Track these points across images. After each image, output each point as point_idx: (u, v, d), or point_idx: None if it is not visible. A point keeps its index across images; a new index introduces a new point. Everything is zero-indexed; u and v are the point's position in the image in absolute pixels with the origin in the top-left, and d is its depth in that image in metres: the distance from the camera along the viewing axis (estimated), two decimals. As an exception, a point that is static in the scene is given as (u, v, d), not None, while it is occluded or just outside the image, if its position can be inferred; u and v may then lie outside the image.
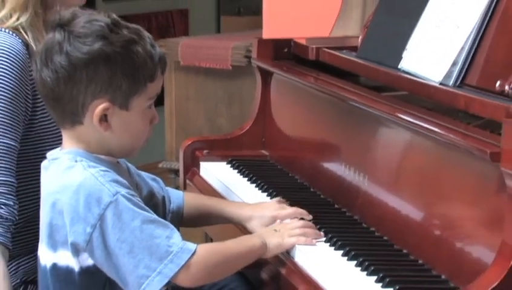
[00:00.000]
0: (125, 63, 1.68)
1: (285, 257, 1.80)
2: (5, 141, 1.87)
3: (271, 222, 1.89)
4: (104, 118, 1.69)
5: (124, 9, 5.35)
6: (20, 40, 1.93)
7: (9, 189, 1.86)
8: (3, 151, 1.88)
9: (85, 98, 1.68)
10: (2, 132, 1.88)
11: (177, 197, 1.98)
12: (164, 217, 1.90)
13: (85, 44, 1.66)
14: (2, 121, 1.88)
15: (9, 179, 1.87)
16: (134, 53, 1.69)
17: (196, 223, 2.04)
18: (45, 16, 2.00)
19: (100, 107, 1.68)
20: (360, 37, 2.21)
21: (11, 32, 1.93)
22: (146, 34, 1.74)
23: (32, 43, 1.94)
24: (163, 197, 1.95)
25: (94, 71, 1.67)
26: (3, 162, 1.87)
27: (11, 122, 1.89)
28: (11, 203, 1.85)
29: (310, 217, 1.90)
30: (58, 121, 1.75)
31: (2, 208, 1.83)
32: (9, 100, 1.89)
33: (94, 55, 1.66)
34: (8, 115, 1.89)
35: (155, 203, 1.91)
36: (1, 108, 1.88)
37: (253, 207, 1.96)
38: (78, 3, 2.01)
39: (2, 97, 1.88)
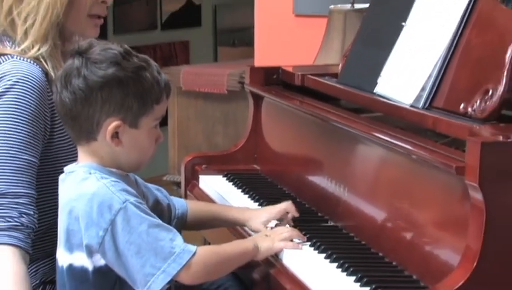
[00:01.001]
0: (136, 86, 1.68)
1: (274, 259, 1.79)
2: (26, 157, 1.86)
3: (267, 220, 1.90)
4: (116, 135, 1.69)
5: (133, 41, 5.35)
6: (40, 69, 1.92)
7: (30, 200, 1.85)
8: (25, 166, 1.87)
9: (99, 117, 1.68)
10: (24, 149, 1.86)
11: (181, 204, 1.97)
12: (169, 223, 1.89)
13: (101, 69, 1.67)
14: (23, 140, 1.87)
15: (30, 191, 1.85)
16: (143, 78, 1.69)
17: (199, 227, 2.04)
18: (63, 47, 1.98)
19: (112, 125, 1.68)
20: (340, 65, 2.21)
21: (32, 62, 1.92)
22: (153, 62, 1.74)
23: (51, 72, 1.92)
24: (168, 205, 1.94)
25: (108, 93, 1.67)
26: (25, 176, 1.86)
27: (31, 140, 1.88)
28: (32, 212, 1.84)
29: (296, 214, 1.91)
30: (74, 138, 1.75)
31: (23, 217, 1.82)
32: (30, 122, 1.88)
33: (108, 79, 1.66)
34: (29, 134, 1.88)
35: (160, 210, 1.90)
36: (23, 129, 1.87)
37: (251, 210, 1.98)
38: (92, 36, 2.00)
39: (23, 119, 1.87)
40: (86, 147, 1.72)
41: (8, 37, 1.96)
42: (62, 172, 1.77)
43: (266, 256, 1.79)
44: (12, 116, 1.87)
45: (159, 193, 1.95)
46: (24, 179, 1.86)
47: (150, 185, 1.94)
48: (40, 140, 1.91)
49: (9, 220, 1.81)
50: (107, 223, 1.63)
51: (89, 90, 1.66)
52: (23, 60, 1.92)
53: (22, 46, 1.93)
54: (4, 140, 1.86)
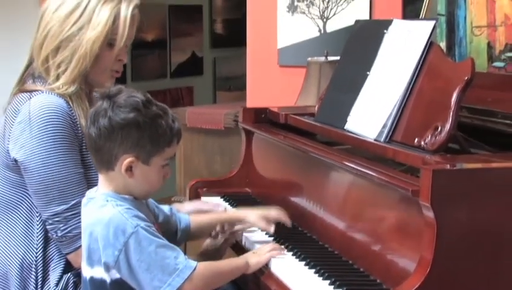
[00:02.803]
0: (151, 130, 1.66)
1: (263, 267, 1.77)
2: (78, 170, 1.87)
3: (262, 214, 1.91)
4: (129, 169, 1.67)
5: (147, 87, 5.35)
6: (64, 100, 1.91)
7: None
8: (80, 177, 1.87)
9: (117, 152, 1.66)
10: (73, 164, 1.87)
11: (184, 219, 1.94)
12: (175, 234, 1.88)
13: (123, 112, 1.64)
14: (68, 157, 1.87)
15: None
16: (158, 125, 1.67)
17: (202, 235, 1.99)
18: (87, 89, 1.98)
19: (127, 160, 1.66)
20: (316, 106, 2.21)
21: (58, 95, 1.91)
22: (170, 112, 1.72)
23: (75, 108, 1.92)
24: (175, 221, 1.92)
25: (127, 133, 1.65)
26: (82, 185, 1.88)
27: (72, 155, 1.87)
28: None
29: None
30: (97, 166, 1.73)
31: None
32: (66, 141, 1.87)
33: (128, 121, 1.64)
34: (68, 150, 1.88)
35: (170, 226, 1.89)
36: (63, 148, 1.86)
37: (245, 209, 1.98)
38: (108, 84, 2.00)
39: (60, 141, 1.87)
40: (105, 175, 1.70)
41: (41, 78, 1.96)
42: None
43: (256, 269, 1.76)
44: (52, 140, 1.85)
45: (169, 211, 1.92)
46: (83, 186, 1.86)
47: (162, 206, 1.92)
48: (78, 153, 1.89)
49: None
50: (121, 244, 1.60)
51: (111, 128, 1.64)
52: (51, 94, 1.91)
53: (52, 86, 1.92)
54: (56, 161, 1.84)
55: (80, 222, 1.79)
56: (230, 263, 1.74)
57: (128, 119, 1.64)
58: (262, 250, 1.80)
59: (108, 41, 1.93)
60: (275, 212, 1.92)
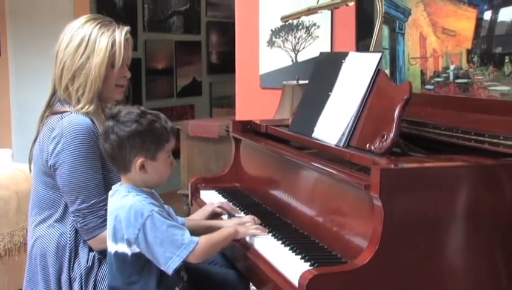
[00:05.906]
0: (150, 134, 1.66)
1: (249, 246, 1.76)
2: (99, 176, 1.86)
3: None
4: (142, 167, 1.67)
5: (158, 104, 5.35)
6: (89, 118, 1.91)
7: (106, 201, 1.81)
8: (100, 182, 1.86)
9: (129, 157, 1.66)
10: (95, 171, 1.85)
11: (181, 220, 1.91)
12: None
13: (127, 126, 1.65)
14: (93, 165, 1.86)
15: (105, 196, 1.82)
16: (155, 128, 1.67)
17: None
18: (101, 106, 1.98)
19: (139, 161, 1.66)
20: (290, 119, 2.20)
21: (83, 115, 1.91)
22: (162, 115, 1.71)
23: (96, 122, 1.91)
24: (173, 219, 1.88)
25: (133, 141, 1.65)
26: (101, 187, 1.85)
27: (96, 164, 1.86)
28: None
29: (259, 221, 1.86)
30: (117, 171, 1.73)
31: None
32: (91, 152, 1.86)
33: (132, 133, 1.64)
34: (93, 160, 1.87)
35: None
36: (89, 157, 1.85)
37: (225, 221, 1.92)
38: (119, 98, 2.00)
39: (87, 151, 1.85)
40: (125, 176, 1.70)
41: (66, 102, 1.95)
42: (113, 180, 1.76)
43: (243, 237, 1.76)
44: (79, 151, 1.84)
45: (170, 211, 1.90)
46: (101, 189, 1.85)
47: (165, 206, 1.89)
48: (99, 162, 1.88)
49: (102, 216, 1.82)
50: (140, 224, 1.61)
51: (120, 141, 1.65)
52: (77, 114, 1.91)
53: (77, 107, 1.92)
54: (80, 168, 1.84)
55: (95, 218, 1.82)
56: (222, 233, 1.72)
57: (131, 130, 1.64)
58: (250, 226, 1.79)
59: (111, 63, 1.92)
60: (246, 218, 1.88)
